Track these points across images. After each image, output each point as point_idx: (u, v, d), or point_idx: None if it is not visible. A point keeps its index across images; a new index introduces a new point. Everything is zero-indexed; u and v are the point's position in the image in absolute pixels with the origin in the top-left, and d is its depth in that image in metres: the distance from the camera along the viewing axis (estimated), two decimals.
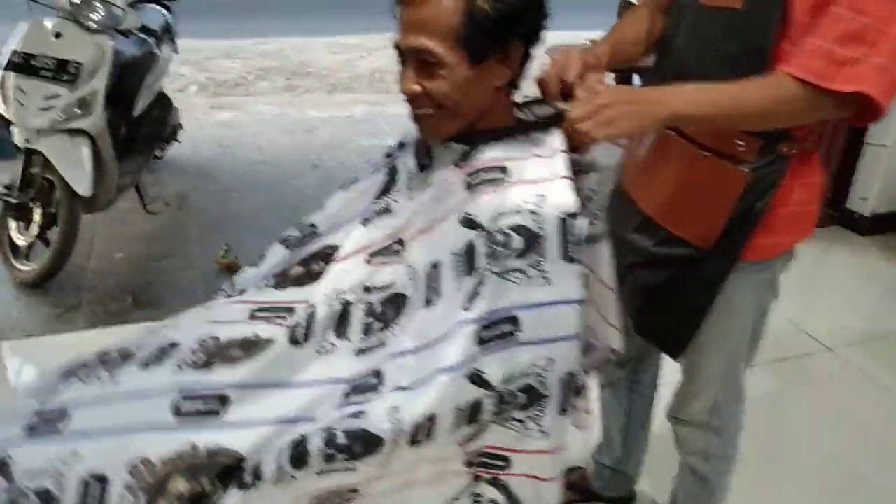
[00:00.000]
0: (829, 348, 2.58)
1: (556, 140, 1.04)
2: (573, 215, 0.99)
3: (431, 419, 0.94)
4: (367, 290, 1.07)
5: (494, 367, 0.96)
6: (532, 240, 0.98)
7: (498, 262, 0.98)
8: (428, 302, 1.02)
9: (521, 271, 0.98)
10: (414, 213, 1.09)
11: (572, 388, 1.03)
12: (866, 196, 3.43)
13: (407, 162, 1.15)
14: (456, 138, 1.07)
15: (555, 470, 1.06)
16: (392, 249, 1.08)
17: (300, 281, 1.13)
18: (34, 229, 2.66)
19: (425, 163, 1.11)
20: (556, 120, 1.05)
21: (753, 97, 1.04)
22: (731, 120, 1.08)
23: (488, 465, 1.05)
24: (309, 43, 7.36)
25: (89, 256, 2.93)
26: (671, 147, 1.23)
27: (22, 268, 2.68)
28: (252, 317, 1.09)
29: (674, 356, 1.38)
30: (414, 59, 1.01)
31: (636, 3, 4.40)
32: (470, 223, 1.01)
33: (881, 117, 1.03)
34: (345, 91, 5.88)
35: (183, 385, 1.01)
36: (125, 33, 2.86)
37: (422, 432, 0.94)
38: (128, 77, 2.91)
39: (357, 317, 1.06)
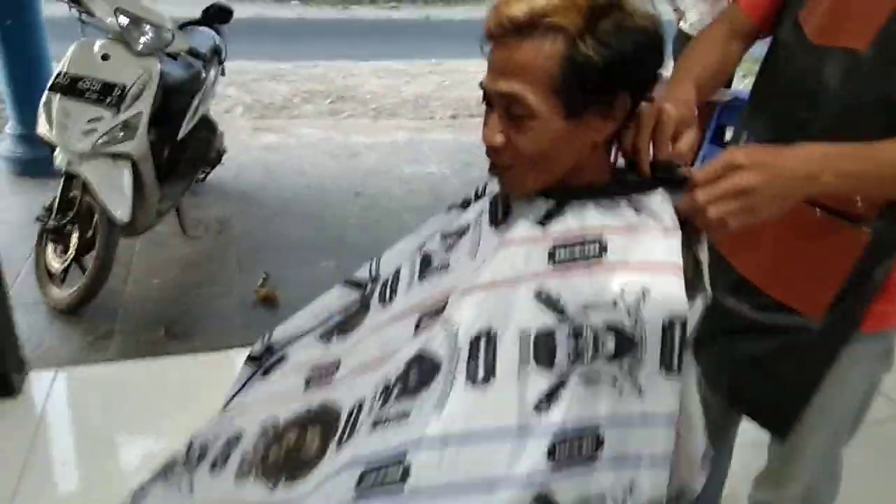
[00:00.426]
0: None
1: (666, 210, 0.87)
2: (683, 323, 0.83)
3: None
4: (410, 363, 0.89)
5: (567, 492, 0.81)
6: (627, 344, 0.83)
7: (583, 363, 0.82)
8: (473, 378, 0.81)
9: (612, 377, 0.83)
10: (472, 272, 0.92)
11: None
12: None
13: (481, 217, 1.02)
14: (542, 192, 0.92)
15: None
16: (436, 310, 0.92)
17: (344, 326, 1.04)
18: (70, 254, 2.59)
19: (500, 218, 0.96)
20: (675, 184, 0.88)
21: None
22: (890, 193, 0.92)
23: None
24: (354, 67, 7.36)
25: (126, 281, 2.85)
26: None
27: (57, 293, 2.61)
28: (307, 385, 1.00)
29: (782, 435, 1.19)
30: (501, 106, 0.88)
31: (689, 32, 4.18)
32: (551, 303, 0.84)
33: None
34: (389, 116, 5.83)
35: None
36: (173, 56, 2.82)
37: None
38: (174, 100, 2.86)
39: (396, 388, 0.87)
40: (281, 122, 5.39)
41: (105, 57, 2.54)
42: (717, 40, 1.16)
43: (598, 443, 0.82)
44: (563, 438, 0.81)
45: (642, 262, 0.84)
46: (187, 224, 3.17)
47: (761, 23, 1.15)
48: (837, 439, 1.20)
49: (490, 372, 0.81)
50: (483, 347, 0.83)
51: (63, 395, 2.23)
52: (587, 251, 0.86)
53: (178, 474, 1.04)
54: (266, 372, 1.10)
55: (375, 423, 0.83)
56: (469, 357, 0.83)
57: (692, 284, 0.86)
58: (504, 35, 0.85)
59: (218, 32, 3.52)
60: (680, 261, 0.84)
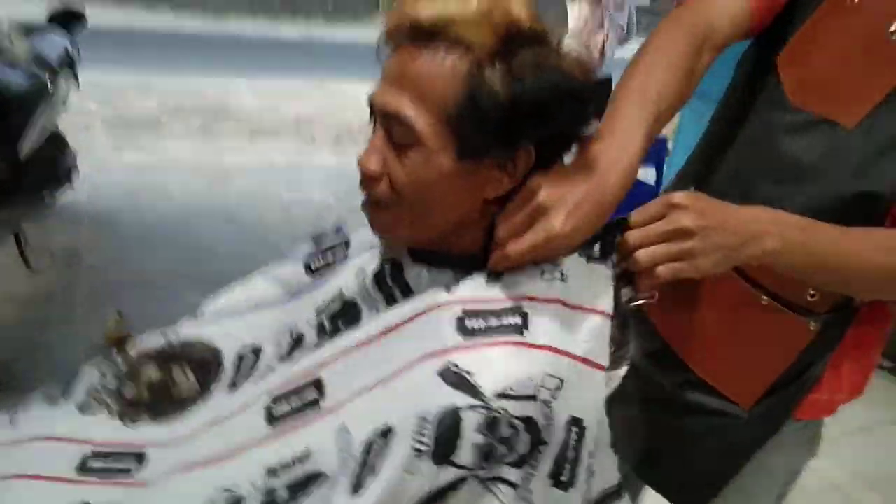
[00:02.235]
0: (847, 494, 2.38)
1: (599, 279, 0.74)
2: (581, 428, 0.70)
3: None
4: (272, 472, 0.71)
5: None
6: (535, 444, 0.68)
7: (491, 463, 0.67)
8: (356, 487, 0.66)
9: (512, 486, 0.68)
10: (350, 348, 0.75)
11: None
12: None
13: (364, 268, 0.84)
14: (428, 257, 0.77)
15: None
16: (307, 401, 0.74)
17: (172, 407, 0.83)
18: None
19: (393, 294, 0.80)
20: (607, 236, 0.75)
21: (880, 259, 0.77)
22: (841, 280, 0.81)
23: None
24: (230, 83, 6.99)
25: None
26: (720, 280, 0.95)
27: None
28: (83, 468, 0.77)
29: None
30: (385, 126, 0.73)
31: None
32: (461, 383, 0.67)
33: None
34: (267, 137, 5.53)
35: None
36: (11, 63, 2.47)
37: None
38: (13, 113, 2.50)
39: None
40: (146, 140, 4.98)
41: None
42: (681, 54, 0.86)
43: None
44: None
45: (563, 344, 0.71)
46: (29, 255, 2.79)
47: (760, 22, 0.92)
48: None
49: (373, 470, 0.65)
50: (377, 447, 0.67)
51: None
52: (506, 322, 0.71)
53: None
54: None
55: None
56: (359, 465, 0.66)
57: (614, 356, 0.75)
58: (403, 39, 0.70)
59: (71, 34, 3.16)
60: (605, 348, 0.72)
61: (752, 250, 0.75)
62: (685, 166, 1.12)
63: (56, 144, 3.02)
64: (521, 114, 0.69)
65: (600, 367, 0.72)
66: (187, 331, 0.91)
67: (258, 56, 9.01)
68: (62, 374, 2.17)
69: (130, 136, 5.07)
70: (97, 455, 0.79)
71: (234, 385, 0.84)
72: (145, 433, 0.81)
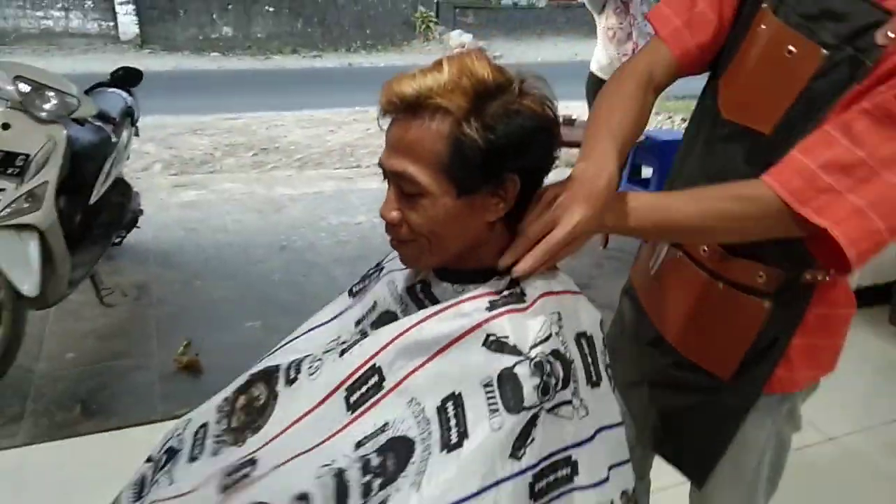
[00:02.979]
0: (830, 437, 2.44)
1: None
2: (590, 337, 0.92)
3: None
4: (360, 444, 0.86)
5: None
6: (567, 367, 0.86)
7: (549, 395, 0.83)
8: (448, 445, 0.80)
9: (569, 403, 0.85)
10: (399, 330, 0.91)
11: None
12: None
13: (395, 282, 1.02)
14: (451, 275, 0.96)
15: None
16: (371, 384, 0.90)
17: (255, 418, 0.98)
18: None
19: (424, 297, 0.99)
20: None
21: (711, 207, 0.90)
22: (678, 235, 0.98)
23: None
24: (277, 117, 7.32)
25: (38, 357, 2.71)
26: (684, 270, 1.11)
27: None
28: (223, 489, 0.92)
29: (699, 483, 1.22)
30: (395, 183, 0.89)
31: (599, 75, 4.29)
32: (501, 346, 0.84)
33: (849, 270, 0.89)
34: (314, 166, 5.80)
35: None
36: (80, 121, 2.73)
37: None
38: (83, 165, 2.75)
39: (354, 479, 0.83)
40: (202, 178, 5.29)
41: (6, 126, 2.43)
42: (632, 96, 1.05)
43: (573, 468, 0.85)
44: (541, 473, 0.81)
45: (547, 292, 0.90)
46: (103, 291, 3.04)
47: (687, 65, 1.09)
48: (753, 497, 1.22)
49: (463, 435, 0.80)
50: (451, 411, 0.82)
51: None
52: (513, 299, 0.89)
53: None
54: (162, 470, 1.04)
55: None
56: (440, 425, 0.82)
57: None
58: (396, 112, 0.87)
59: (129, 93, 3.44)
60: (569, 287, 0.93)
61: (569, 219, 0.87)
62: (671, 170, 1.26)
63: (122, 190, 3.27)
64: (500, 152, 0.85)
65: (580, 293, 0.94)
66: (263, 362, 1.07)
67: (303, 89, 9.37)
68: (140, 399, 2.41)
69: (187, 174, 5.39)
70: (226, 475, 0.94)
71: (294, 381, 0.99)
72: (249, 445, 0.97)
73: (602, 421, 0.90)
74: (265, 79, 10.41)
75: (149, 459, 1.09)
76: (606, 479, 0.88)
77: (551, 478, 0.83)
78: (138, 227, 3.59)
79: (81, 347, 2.81)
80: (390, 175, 0.89)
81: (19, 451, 2.21)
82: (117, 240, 3.48)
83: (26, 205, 2.38)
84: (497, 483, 0.78)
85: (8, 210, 2.35)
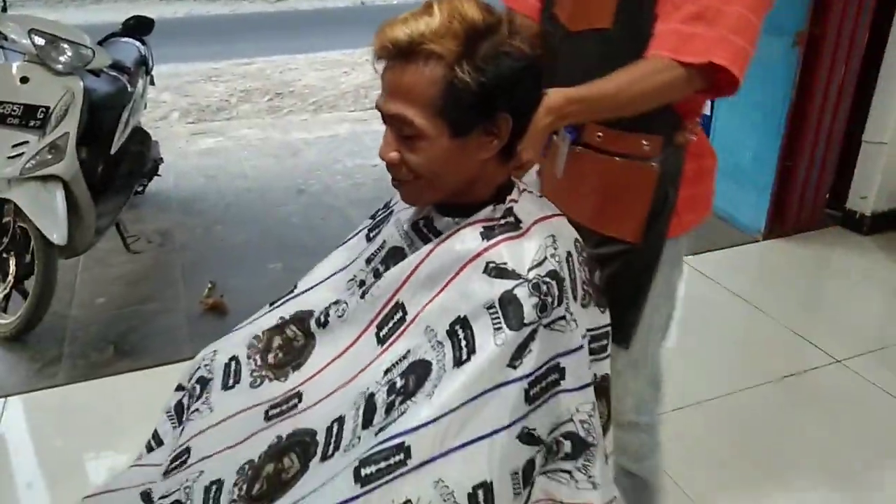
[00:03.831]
0: (838, 360, 2.49)
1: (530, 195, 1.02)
2: (581, 249, 1.03)
3: (487, 488, 0.85)
4: (388, 371, 0.95)
5: (542, 422, 0.91)
6: (560, 283, 0.93)
7: (546, 312, 0.90)
8: (459, 361, 0.89)
9: (563, 318, 0.92)
10: (411, 269, 0.99)
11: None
12: (866, 195, 3.35)
13: (402, 220, 1.09)
14: (451, 210, 1.01)
15: None
16: (396, 319, 0.99)
17: (295, 357, 1.08)
18: (10, 280, 2.56)
19: (428, 232, 1.05)
20: None
21: (623, 79, 1.06)
22: (611, 102, 1.07)
23: None
24: (291, 61, 7.28)
25: (70, 303, 2.83)
26: (585, 161, 1.25)
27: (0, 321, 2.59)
28: (268, 418, 1.04)
29: (627, 344, 1.33)
30: (393, 125, 0.94)
31: None
32: (501, 272, 0.91)
33: (737, 86, 1.08)
34: (329, 109, 5.80)
35: None
36: (96, 72, 2.78)
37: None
38: (102, 116, 2.82)
39: (381, 400, 0.94)
40: (219, 125, 5.33)
41: (24, 80, 2.49)
42: None
43: (561, 374, 0.93)
44: (535, 380, 0.90)
45: (540, 218, 1.00)
46: (129, 239, 3.15)
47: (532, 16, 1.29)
48: (654, 348, 1.37)
49: (471, 351, 0.88)
50: (461, 333, 0.90)
51: (16, 423, 2.23)
52: (509, 227, 0.97)
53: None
54: (194, 406, 1.13)
55: (378, 432, 0.89)
56: (452, 346, 0.90)
57: None
58: (389, 57, 0.91)
59: (142, 42, 3.47)
60: (555, 211, 1.03)
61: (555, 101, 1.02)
62: None
63: (141, 139, 3.33)
64: (491, 93, 0.90)
65: (563, 215, 1.05)
66: (289, 306, 1.16)
67: (316, 31, 9.27)
68: (169, 339, 2.53)
69: (204, 122, 5.44)
70: (272, 406, 1.06)
71: (326, 324, 1.09)
72: (293, 380, 1.08)
73: (584, 330, 0.98)
74: (278, 21, 10.30)
75: (179, 388, 1.19)
76: (589, 384, 0.97)
77: (543, 383, 0.91)
78: (159, 176, 3.67)
79: (111, 293, 2.93)
80: (387, 118, 0.94)
81: (60, 390, 2.35)
82: (139, 188, 3.57)
83: (49, 156, 2.46)
84: (497, 388, 0.87)
85: (32, 162, 2.43)
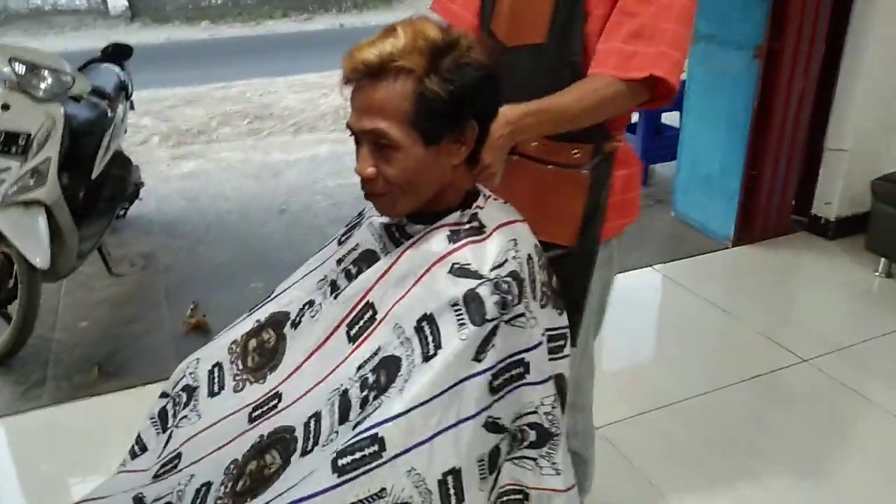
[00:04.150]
0: (805, 359, 2.58)
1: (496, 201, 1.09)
2: (540, 254, 1.10)
3: (456, 474, 0.92)
4: (360, 367, 1.02)
5: (506, 412, 0.99)
6: (521, 283, 1.00)
7: (507, 309, 0.97)
8: (426, 356, 0.95)
9: (523, 316, 0.99)
10: (383, 271, 1.07)
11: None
12: (830, 200, 3.46)
13: (375, 225, 1.16)
14: (423, 218, 1.08)
15: None
16: (366, 318, 1.06)
17: (270, 358, 1.15)
18: None
19: (398, 239, 1.12)
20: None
21: (570, 96, 1.17)
22: (558, 117, 1.17)
23: (509, 501, 1.05)
24: (270, 84, 7.35)
25: (54, 327, 2.87)
26: (519, 169, 1.30)
27: None
28: (251, 420, 1.10)
29: (573, 343, 1.38)
30: (369, 141, 1.00)
31: None
32: (464, 272, 0.99)
33: (673, 95, 1.21)
34: (309, 131, 5.87)
35: None
36: (76, 98, 2.83)
37: (450, 490, 0.92)
38: (83, 141, 2.87)
39: (355, 395, 1.00)
40: (199, 148, 5.38)
41: (5, 107, 2.54)
42: None
43: (525, 367, 1.00)
44: (499, 373, 0.97)
45: (502, 223, 1.07)
46: (111, 262, 3.18)
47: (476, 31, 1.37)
48: (588, 336, 1.47)
49: (438, 346, 0.95)
50: (427, 329, 0.97)
51: (3, 445, 2.26)
52: (473, 231, 1.05)
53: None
54: (178, 411, 1.19)
55: (355, 426, 0.94)
56: (420, 342, 0.97)
57: None
58: (360, 78, 0.99)
59: (122, 67, 3.53)
60: (518, 217, 1.12)
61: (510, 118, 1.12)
62: None
63: (122, 164, 3.38)
64: (459, 101, 0.98)
65: (524, 221, 1.13)
66: (264, 310, 1.23)
67: (295, 54, 9.36)
68: (153, 359, 2.56)
69: (185, 145, 5.48)
70: (255, 409, 1.12)
71: (298, 324, 1.15)
72: (271, 382, 1.14)
73: (547, 329, 1.06)
74: (257, 45, 10.39)
75: (164, 395, 1.24)
76: (549, 379, 1.04)
77: (507, 376, 0.98)
78: (140, 199, 3.71)
79: (94, 316, 2.96)
80: (363, 135, 1.01)
81: (45, 411, 2.38)
82: (121, 212, 3.61)
83: (31, 182, 2.51)
84: (462, 381, 0.94)
85: (15, 188, 2.47)
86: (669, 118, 4.38)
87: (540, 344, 1.02)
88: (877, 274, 3.18)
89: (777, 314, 2.96)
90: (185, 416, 1.18)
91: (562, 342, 1.12)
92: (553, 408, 1.03)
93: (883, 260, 3.16)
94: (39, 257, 2.44)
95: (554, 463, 1.04)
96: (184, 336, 2.77)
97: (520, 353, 1.00)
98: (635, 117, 4.40)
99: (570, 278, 1.34)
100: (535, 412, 1.02)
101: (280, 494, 0.94)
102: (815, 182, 3.50)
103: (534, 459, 1.04)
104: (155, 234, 3.74)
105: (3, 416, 2.35)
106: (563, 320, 1.14)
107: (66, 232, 2.64)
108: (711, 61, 3.39)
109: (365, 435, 0.90)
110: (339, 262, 1.18)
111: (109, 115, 3.12)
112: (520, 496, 1.05)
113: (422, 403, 0.92)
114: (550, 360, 1.07)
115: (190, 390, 1.20)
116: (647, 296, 3.17)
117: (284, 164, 4.86)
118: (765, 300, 3.06)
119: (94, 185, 3.02)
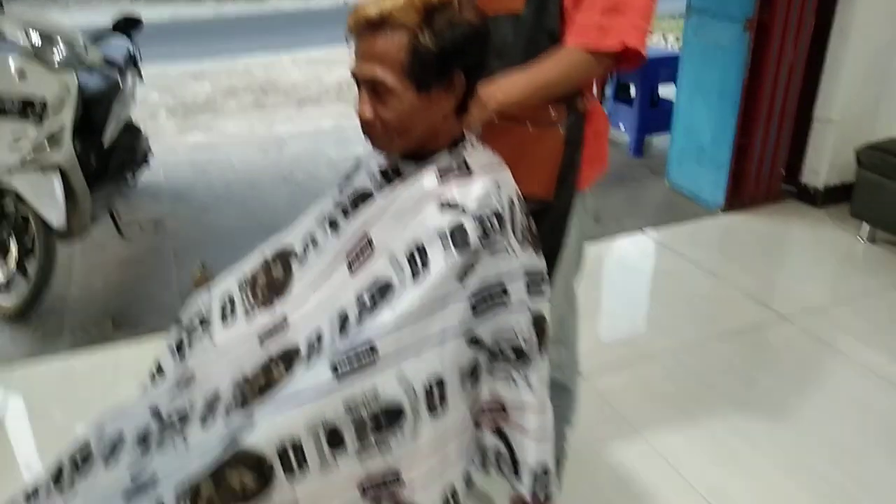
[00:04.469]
0: (787, 318, 2.70)
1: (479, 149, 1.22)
2: (521, 203, 1.22)
3: (440, 383, 1.06)
4: (358, 294, 1.15)
5: (486, 330, 1.12)
6: (501, 222, 1.13)
7: (488, 238, 1.10)
8: (416, 276, 1.08)
9: (504, 248, 1.12)
10: (379, 209, 1.19)
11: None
12: (818, 169, 3.56)
13: (372, 169, 1.27)
14: (416, 157, 1.20)
15: (544, 431, 1.19)
16: (365, 251, 1.19)
17: (278, 289, 1.27)
18: (11, 263, 2.73)
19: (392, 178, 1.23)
20: None
21: (554, 70, 1.32)
22: (544, 92, 1.33)
23: (490, 414, 1.18)
24: (275, 59, 7.45)
25: (69, 285, 3.00)
26: (498, 130, 1.39)
27: (2, 302, 2.76)
28: (261, 343, 1.22)
29: (550, 283, 1.50)
30: (367, 86, 1.13)
31: None
32: (452, 207, 1.12)
33: (643, 61, 1.34)
34: (313, 105, 5.97)
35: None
36: (89, 68, 2.94)
37: (435, 397, 1.05)
38: (94, 110, 2.98)
39: (353, 316, 1.14)
40: (206, 121, 5.50)
41: (22, 74, 2.66)
42: None
43: (505, 292, 1.13)
44: (480, 296, 1.10)
45: (487, 166, 1.19)
46: (122, 226, 3.32)
47: None
48: (569, 278, 1.61)
49: (426, 267, 1.08)
50: (418, 256, 1.10)
51: (21, 391, 2.40)
52: (461, 171, 1.17)
53: (160, 434, 1.23)
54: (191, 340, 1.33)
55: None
56: (410, 265, 1.10)
57: None
58: (362, 31, 1.12)
59: (131, 39, 3.63)
60: (503, 165, 1.22)
61: (490, 104, 1.28)
62: None
63: (132, 133, 3.50)
64: (448, 55, 1.11)
65: (506, 168, 1.22)
66: (271, 245, 1.35)
67: (299, 30, 9.43)
68: (164, 313, 2.70)
69: (192, 118, 5.60)
70: (265, 333, 1.25)
71: (304, 258, 1.29)
72: (280, 308, 1.27)
73: (526, 267, 1.18)
74: (262, 22, 10.47)
75: (178, 321, 1.37)
76: (528, 311, 1.16)
77: (487, 296, 1.11)
78: (150, 168, 3.82)
79: (108, 275, 3.10)
80: (363, 81, 1.13)
81: (63, 357, 2.53)
82: (131, 179, 3.73)
83: (47, 146, 2.63)
84: (447, 298, 1.07)
85: (32, 152, 2.60)
86: (666, 92, 4.47)
87: (518, 275, 1.15)
88: (860, 239, 3.30)
89: (762, 276, 3.08)
90: (200, 342, 1.31)
91: (540, 283, 1.23)
92: (531, 336, 1.16)
93: (866, 225, 3.27)
94: (56, 217, 2.57)
95: (529, 382, 1.17)
96: (191, 292, 2.90)
97: (500, 279, 1.12)
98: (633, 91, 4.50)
99: (549, 230, 1.46)
100: (514, 337, 1.15)
101: (281, 391, 1.07)
102: (805, 152, 3.60)
103: (510, 374, 1.17)
104: (164, 201, 3.87)
105: (24, 361, 2.50)
106: (542, 263, 1.26)
107: (79, 194, 2.76)
108: (705, 34, 3.48)
109: (360, 341, 1.04)
110: (339, 203, 1.30)
111: (120, 85, 3.23)
112: (500, 411, 1.18)
113: (411, 317, 1.05)
114: (530, 296, 1.19)
115: (204, 320, 1.33)
116: (639, 258, 3.29)
117: (289, 137, 4.97)
118: (751, 263, 3.18)
119: (106, 152, 3.14)
